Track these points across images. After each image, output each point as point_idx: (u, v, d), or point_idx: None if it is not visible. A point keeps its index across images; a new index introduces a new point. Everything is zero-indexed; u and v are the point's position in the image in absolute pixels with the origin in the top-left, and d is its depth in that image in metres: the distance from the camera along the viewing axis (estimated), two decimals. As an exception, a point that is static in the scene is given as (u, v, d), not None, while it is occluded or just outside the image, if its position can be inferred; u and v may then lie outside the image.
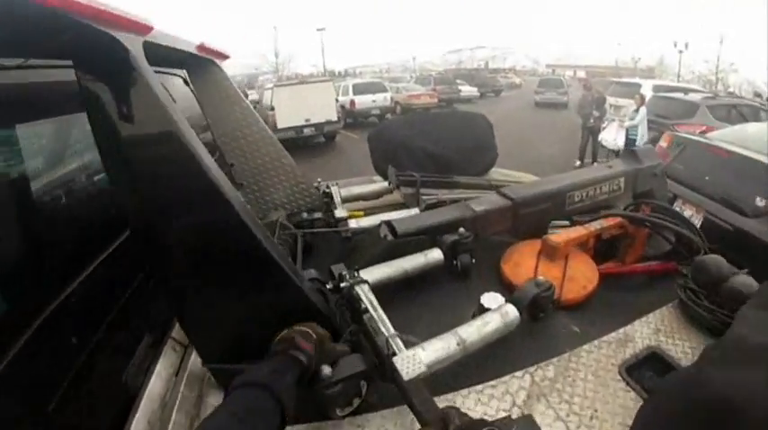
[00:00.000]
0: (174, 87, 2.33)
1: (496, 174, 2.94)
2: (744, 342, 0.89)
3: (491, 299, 1.41)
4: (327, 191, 2.33)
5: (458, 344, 1.20)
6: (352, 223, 2.09)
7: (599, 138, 9.77)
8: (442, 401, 1.18)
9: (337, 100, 14.42)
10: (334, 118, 13.45)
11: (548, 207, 1.92)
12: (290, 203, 2.27)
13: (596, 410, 1.21)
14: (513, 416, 1.18)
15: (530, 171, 3.44)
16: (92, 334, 1.24)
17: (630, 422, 1.14)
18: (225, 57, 2.17)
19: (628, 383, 1.30)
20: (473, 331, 1.24)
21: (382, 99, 17.94)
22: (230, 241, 1.14)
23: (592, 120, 9.94)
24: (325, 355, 1.08)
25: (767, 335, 0.89)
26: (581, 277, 1.67)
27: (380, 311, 1.28)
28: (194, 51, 1.81)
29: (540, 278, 1.42)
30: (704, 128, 7.31)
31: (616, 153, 8.94)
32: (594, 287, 1.65)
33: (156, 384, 1.28)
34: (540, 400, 1.24)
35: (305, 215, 2.16)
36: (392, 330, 1.21)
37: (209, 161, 1.08)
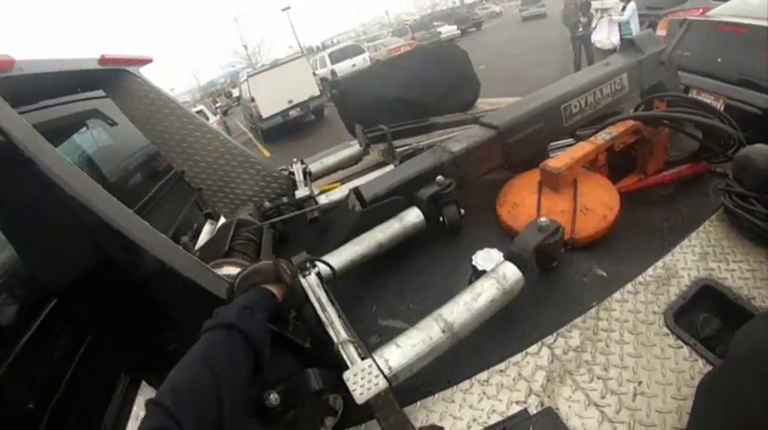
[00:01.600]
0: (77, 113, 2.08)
1: (484, 105, 2.59)
2: None
3: (486, 257, 1.11)
4: (292, 171, 2.08)
5: (443, 332, 0.91)
6: (322, 199, 1.81)
7: (592, 41, 8.93)
8: (435, 403, 0.95)
9: (315, 74, 14.01)
10: (317, 92, 13.00)
11: (541, 127, 1.57)
12: (257, 195, 2.04)
13: (640, 382, 0.91)
14: (531, 410, 0.89)
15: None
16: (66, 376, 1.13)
17: (687, 389, 0.87)
18: (143, 62, 1.98)
19: (679, 336, 0.99)
20: (461, 310, 0.93)
21: (361, 61, 17.18)
22: (134, 270, 1.01)
23: (580, 29, 9.16)
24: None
25: None
26: (598, 205, 1.33)
27: (330, 311, 1.00)
28: (97, 67, 1.64)
29: (542, 219, 1.08)
30: (702, 10, 6.64)
31: (610, 53, 8.25)
32: (617, 214, 1.32)
33: (134, 427, 1.12)
34: (564, 381, 0.94)
35: (267, 204, 1.87)
36: (343, 334, 0.93)
37: (91, 192, 0.94)
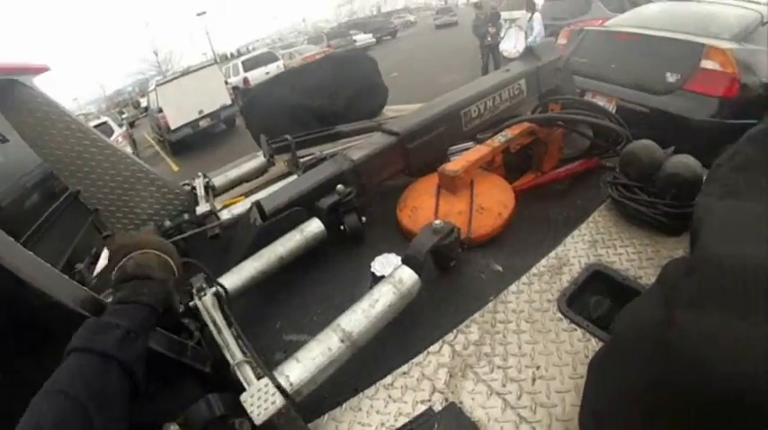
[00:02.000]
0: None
1: (390, 112, 2.65)
2: (718, 264, 0.64)
3: (384, 262, 1.13)
4: (194, 186, 1.98)
5: (342, 341, 0.91)
6: (224, 214, 1.75)
7: (500, 49, 9.50)
8: (343, 413, 0.94)
9: (227, 82, 13.64)
10: (228, 101, 12.62)
11: (441, 132, 1.64)
12: (158, 214, 1.92)
13: (538, 367, 0.97)
14: (436, 407, 0.92)
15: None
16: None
17: (583, 367, 0.93)
18: (37, 71, 1.81)
19: (572, 320, 1.06)
20: (359, 318, 0.95)
21: (275, 68, 16.83)
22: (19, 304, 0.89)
23: (488, 38, 9.71)
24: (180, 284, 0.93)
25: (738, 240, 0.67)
26: (494, 203, 1.41)
27: (226, 333, 0.96)
28: None
29: (437, 222, 1.13)
30: (601, 21, 7.29)
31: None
32: (511, 211, 1.41)
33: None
34: (465, 375, 0.98)
35: (167, 223, 1.78)
36: (239, 355, 0.90)
37: None
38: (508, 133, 1.59)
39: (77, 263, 1.78)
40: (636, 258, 1.22)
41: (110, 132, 10.29)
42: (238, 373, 0.86)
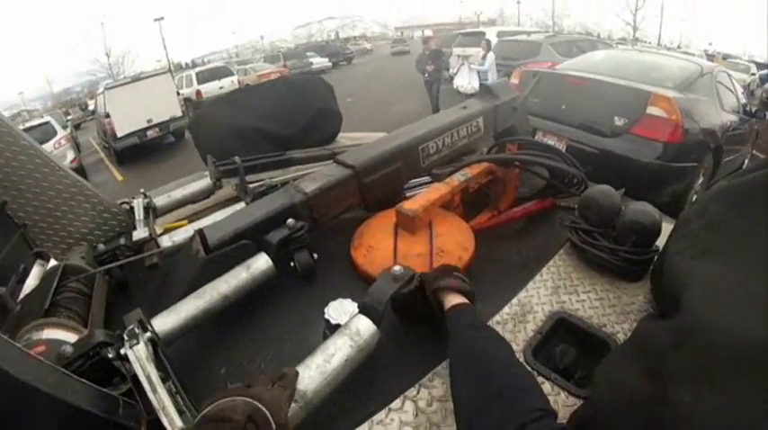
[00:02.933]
0: None
1: (346, 140, 2.60)
2: (710, 340, 0.63)
3: (339, 308, 1.05)
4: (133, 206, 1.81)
5: (295, 402, 0.82)
6: (165, 240, 1.61)
7: (455, 86, 9.73)
8: None
9: (179, 93, 13.36)
10: (179, 113, 12.35)
11: (398, 167, 1.60)
12: (92, 233, 1.75)
13: None
14: None
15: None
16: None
17: None
18: None
19: (540, 372, 1.03)
20: (314, 375, 0.86)
21: (230, 83, 16.93)
22: None
23: (426, 75, 10.02)
24: None
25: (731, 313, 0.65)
26: (453, 246, 1.38)
27: (161, 392, 0.84)
28: None
29: (397, 268, 1.07)
30: (550, 64, 7.76)
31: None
32: (471, 254, 1.38)
33: None
34: None
35: (101, 247, 1.62)
36: (178, 423, 0.79)
37: None
38: (467, 172, 1.59)
39: (3, 279, 1.59)
40: (598, 305, 1.22)
41: (52, 134, 9.88)
42: None
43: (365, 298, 1.01)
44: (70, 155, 10.06)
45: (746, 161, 5.58)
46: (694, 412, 0.57)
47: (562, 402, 0.97)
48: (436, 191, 1.50)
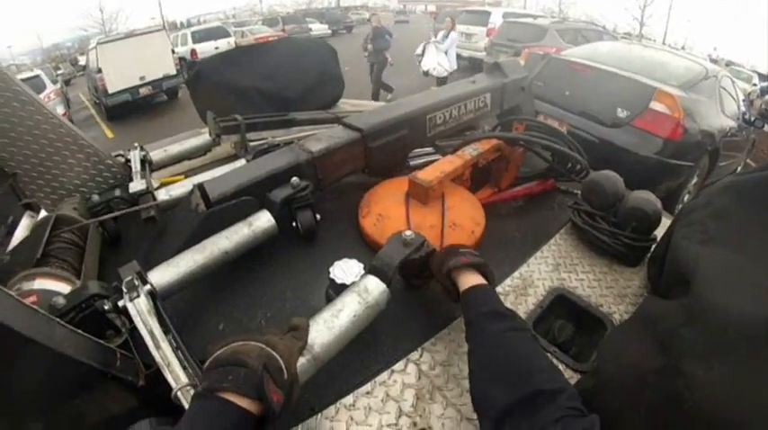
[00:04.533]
0: None
1: (347, 106, 2.58)
2: (723, 317, 0.67)
3: (344, 269, 1.05)
4: (129, 158, 1.78)
5: (302, 356, 0.82)
6: (162, 194, 1.59)
7: (424, 68, 8.72)
8: None
9: (174, 51, 13.03)
10: (173, 71, 12.10)
11: (405, 134, 1.60)
12: (86, 185, 1.71)
13: None
14: None
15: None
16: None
17: None
18: None
19: (540, 344, 1.06)
20: (321, 329, 0.87)
21: (226, 44, 16.51)
22: None
23: (366, 53, 9.54)
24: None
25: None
26: (466, 220, 1.39)
27: (165, 346, 0.84)
28: None
29: (407, 232, 1.08)
30: (555, 49, 7.74)
31: (443, 80, 8.35)
32: (483, 229, 1.39)
33: None
34: (434, 398, 0.94)
35: (95, 198, 1.59)
36: (182, 377, 0.78)
37: None
38: (479, 147, 1.59)
39: None
40: (596, 285, 1.27)
41: (42, 87, 9.57)
42: (182, 400, 0.75)
43: (374, 261, 1.02)
44: (60, 109, 9.75)
45: (739, 169, 5.68)
46: (708, 382, 0.60)
47: None
48: (449, 163, 1.50)
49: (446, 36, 8.56)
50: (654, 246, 1.30)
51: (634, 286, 1.27)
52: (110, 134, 10.62)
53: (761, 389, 0.57)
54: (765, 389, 0.57)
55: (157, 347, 0.83)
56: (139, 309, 0.89)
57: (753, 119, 5.42)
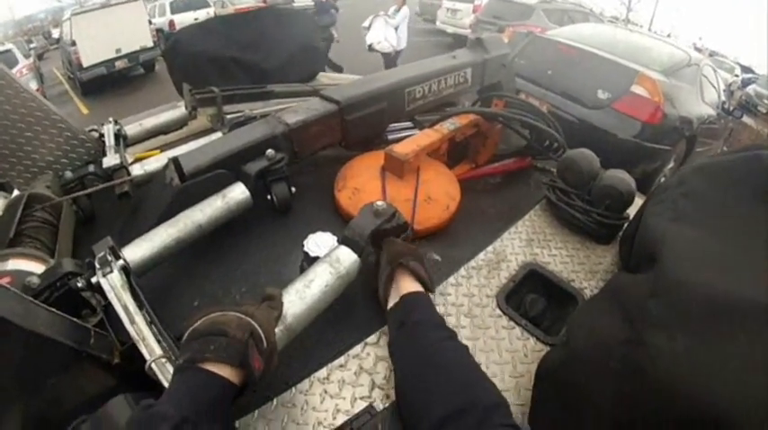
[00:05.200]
0: None
1: (326, 79, 2.54)
2: (686, 291, 0.70)
3: (318, 242, 1.06)
4: (103, 133, 1.74)
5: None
6: (136, 169, 1.55)
7: (368, 42, 8.06)
8: (275, 409, 0.87)
9: (151, 23, 12.70)
10: (150, 43, 11.81)
11: (383, 107, 1.59)
12: (59, 162, 1.67)
13: (480, 364, 0.97)
14: (377, 405, 0.89)
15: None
16: None
17: (522, 366, 0.98)
18: None
19: (511, 317, 1.10)
20: (293, 299, 0.87)
21: (205, 15, 15.69)
22: None
23: None
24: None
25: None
26: (441, 195, 1.40)
27: (139, 321, 0.83)
28: None
29: (379, 203, 1.08)
30: (540, 29, 7.70)
31: (391, 59, 8.01)
32: (458, 204, 1.40)
33: None
34: None
35: (68, 174, 1.54)
36: (157, 350, 0.78)
37: None
38: (456, 122, 1.59)
39: None
40: (569, 261, 1.30)
41: (13, 62, 9.44)
42: (157, 373, 0.74)
43: (346, 231, 1.03)
44: (33, 85, 9.43)
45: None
46: (668, 352, 0.63)
47: (531, 347, 1.04)
48: (426, 137, 1.49)
49: (397, 11, 7.96)
50: (626, 225, 1.32)
51: (606, 263, 1.30)
52: (84, 110, 10.32)
53: (722, 362, 0.59)
54: (726, 362, 0.59)
55: (132, 322, 0.82)
56: (113, 283, 0.88)
57: (732, 109, 5.54)
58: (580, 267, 1.28)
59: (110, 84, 11.15)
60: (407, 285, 0.98)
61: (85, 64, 10.73)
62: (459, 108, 1.78)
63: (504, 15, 10.07)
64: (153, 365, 0.75)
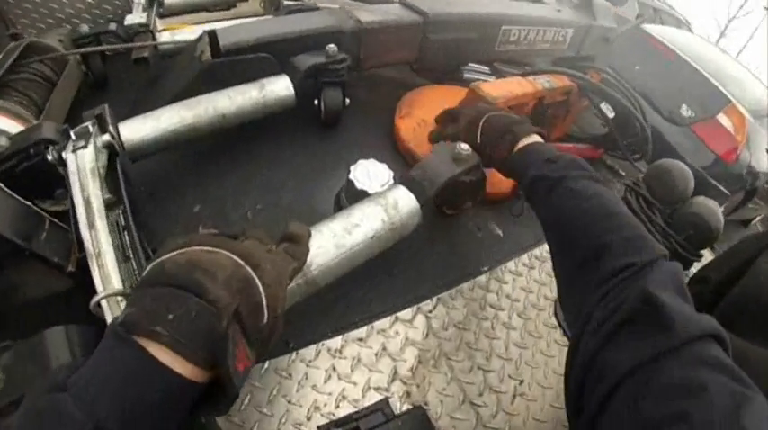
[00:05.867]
0: None
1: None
2: None
3: (370, 171, 0.80)
4: None
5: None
6: (163, 36, 1.31)
7: None
8: (264, 375, 0.66)
9: None
10: None
11: (472, 38, 1.33)
12: (80, 16, 1.46)
13: (522, 381, 0.77)
14: (395, 402, 0.68)
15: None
16: None
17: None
18: None
19: (565, 332, 0.88)
20: (326, 244, 0.63)
21: None
22: None
23: None
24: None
25: None
26: None
27: (99, 226, 0.60)
28: None
29: (464, 146, 0.82)
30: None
31: None
32: None
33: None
34: (438, 367, 0.74)
35: (84, 28, 1.29)
36: (114, 282, 0.55)
37: None
38: (553, 80, 1.33)
39: None
40: None
41: None
42: (106, 313, 0.52)
43: (413, 170, 0.78)
44: None
45: (758, 218, 5.54)
46: None
47: None
48: (519, 85, 1.23)
49: None
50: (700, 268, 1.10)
51: None
52: None
53: None
54: None
55: (90, 225, 0.60)
56: (81, 164, 0.65)
57: None
58: None
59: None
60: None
61: None
62: (556, 68, 1.50)
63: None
64: (103, 303, 0.52)
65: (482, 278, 0.89)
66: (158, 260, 0.43)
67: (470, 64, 1.55)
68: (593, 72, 1.65)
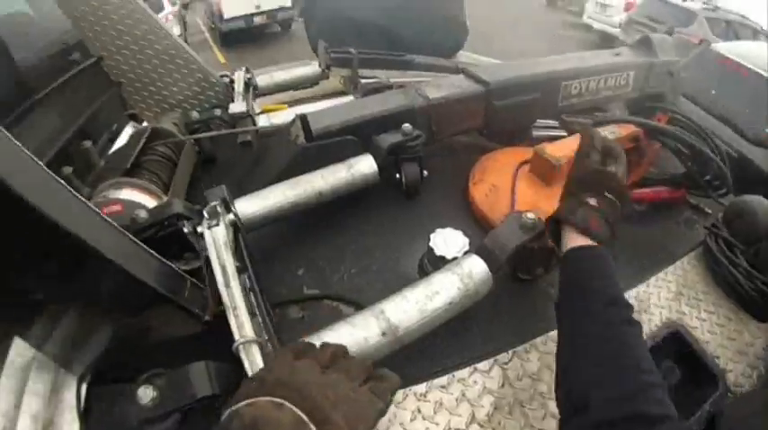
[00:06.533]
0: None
1: (466, 58, 2.37)
2: None
3: (447, 239, 0.92)
4: (233, 79, 1.76)
5: (383, 334, 0.72)
6: (262, 120, 1.55)
7: None
8: None
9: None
10: (288, 3, 12.37)
11: (536, 99, 1.41)
12: (188, 101, 1.72)
13: None
14: None
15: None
16: None
17: None
18: None
19: None
20: (410, 310, 0.76)
21: None
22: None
23: None
24: None
25: None
26: None
27: (234, 287, 0.75)
28: None
29: (529, 214, 0.92)
30: (701, 38, 6.90)
31: None
32: None
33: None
34: (513, 413, 0.83)
35: (195, 114, 1.57)
36: (248, 331, 0.68)
37: None
38: (616, 130, 1.37)
39: (94, 136, 1.58)
40: (718, 331, 1.08)
41: (159, 8, 10.10)
42: (242, 356, 0.66)
43: (486, 240, 0.89)
44: (176, 31, 10.19)
45: None
46: None
47: None
48: None
49: None
50: None
51: (757, 345, 1.08)
52: (221, 59, 11.12)
53: None
54: None
55: (227, 285, 0.75)
56: (216, 238, 0.82)
57: None
58: (729, 343, 1.06)
59: (248, 37, 11.81)
60: (571, 238, 0.82)
61: (226, 15, 11.53)
62: (618, 116, 1.55)
63: (660, 18, 9.13)
64: (240, 347, 0.67)
65: (554, 333, 0.95)
66: (233, 409, 0.47)
67: (538, 120, 1.60)
68: (661, 113, 1.66)
